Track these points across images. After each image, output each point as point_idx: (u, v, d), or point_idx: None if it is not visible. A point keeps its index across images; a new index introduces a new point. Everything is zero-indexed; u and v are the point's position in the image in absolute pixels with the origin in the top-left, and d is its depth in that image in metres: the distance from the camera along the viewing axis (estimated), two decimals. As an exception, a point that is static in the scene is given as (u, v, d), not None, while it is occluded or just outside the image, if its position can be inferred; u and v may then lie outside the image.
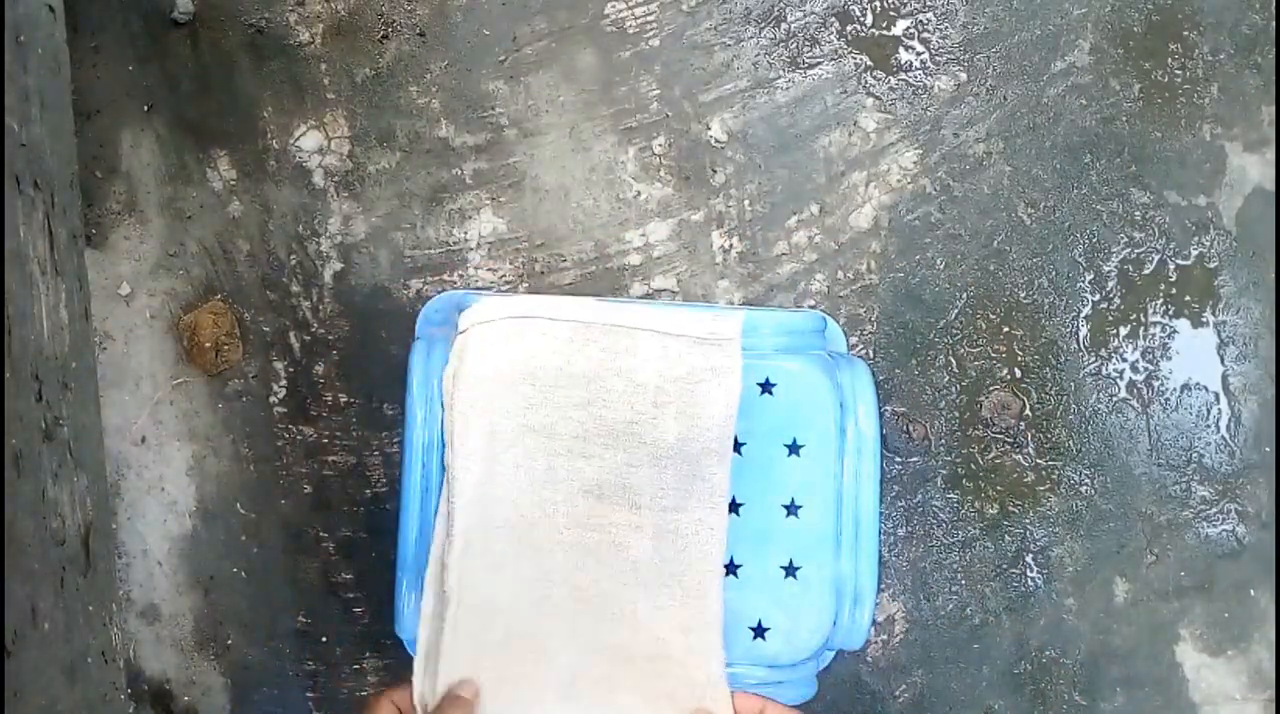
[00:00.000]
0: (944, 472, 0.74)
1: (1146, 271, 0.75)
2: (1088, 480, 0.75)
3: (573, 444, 0.60)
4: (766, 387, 0.64)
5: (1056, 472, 0.75)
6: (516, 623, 0.58)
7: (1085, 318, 0.75)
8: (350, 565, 0.71)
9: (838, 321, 0.73)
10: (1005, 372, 0.75)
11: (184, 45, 0.70)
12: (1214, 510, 0.76)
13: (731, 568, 0.62)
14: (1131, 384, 0.75)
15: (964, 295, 0.74)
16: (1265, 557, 0.76)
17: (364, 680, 0.71)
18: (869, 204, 0.74)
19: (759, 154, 0.73)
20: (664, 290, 0.73)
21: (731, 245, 0.73)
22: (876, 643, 0.73)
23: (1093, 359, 0.75)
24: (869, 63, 0.74)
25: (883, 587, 0.73)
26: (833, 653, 0.69)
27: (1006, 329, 0.75)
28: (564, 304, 0.60)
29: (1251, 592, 0.76)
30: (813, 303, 0.73)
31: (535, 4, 0.72)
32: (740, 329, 0.60)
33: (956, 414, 0.74)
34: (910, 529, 0.74)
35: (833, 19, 0.74)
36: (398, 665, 0.71)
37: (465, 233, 0.72)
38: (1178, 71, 0.76)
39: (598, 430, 0.60)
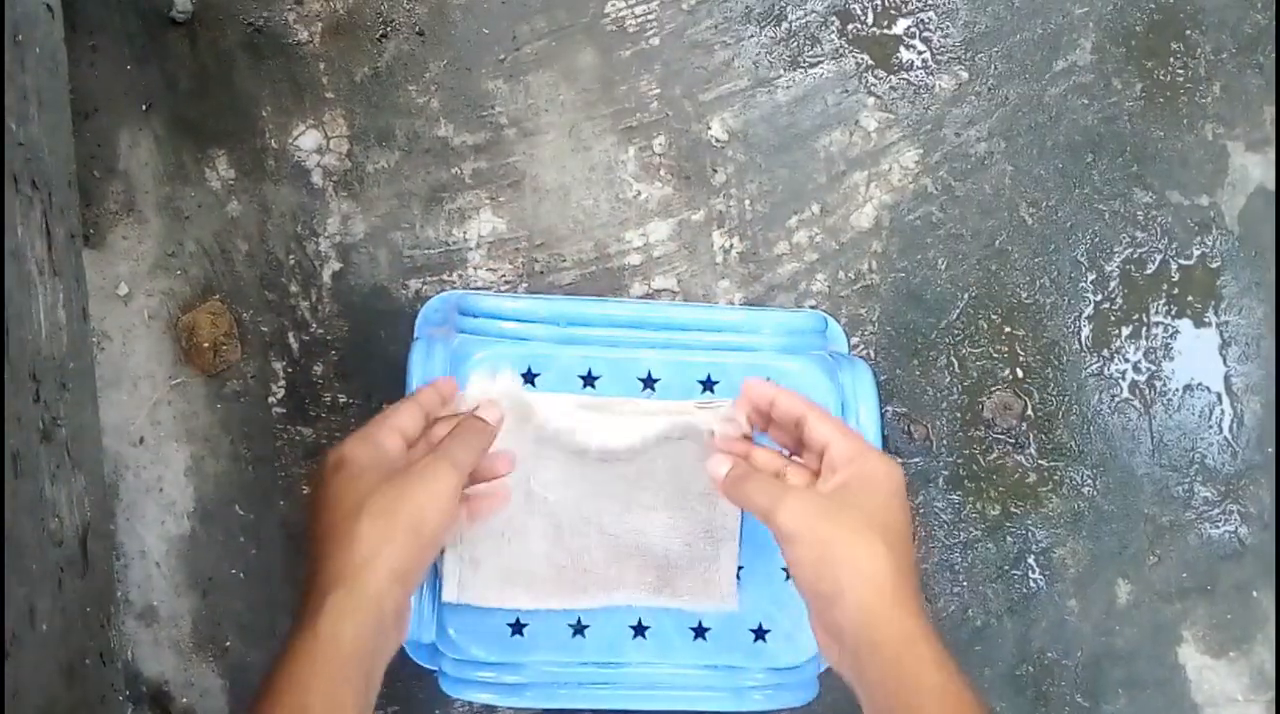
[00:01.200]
0: (945, 472, 0.74)
1: (1149, 271, 0.75)
2: (1090, 481, 0.74)
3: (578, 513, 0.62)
4: (767, 387, 0.64)
5: (1058, 472, 0.74)
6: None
7: (1087, 318, 0.75)
8: (349, 566, 0.71)
9: (839, 322, 0.72)
10: (1007, 372, 0.74)
11: (182, 44, 0.70)
12: (1216, 511, 0.75)
13: (732, 569, 0.62)
14: (1134, 384, 0.75)
15: (965, 295, 0.74)
16: (1267, 558, 0.75)
17: (363, 682, 0.71)
18: (870, 204, 0.74)
19: (759, 153, 0.73)
20: (664, 290, 0.72)
21: (732, 245, 0.73)
22: (878, 644, 0.73)
23: (1095, 359, 0.75)
24: (870, 62, 0.74)
25: (884, 588, 0.73)
26: (834, 654, 0.69)
27: (1008, 329, 0.74)
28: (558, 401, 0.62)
29: (1254, 593, 0.75)
30: (814, 303, 0.73)
31: (535, 3, 0.72)
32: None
33: (958, 415, 0.74)
34: (911, 530, 0.73)
35: (833, 18, 0.74)
36: (397, 668, 0.70)
37: (464, 232, 0.72)
38: (1180, 71, 0.76)
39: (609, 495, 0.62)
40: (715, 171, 0.73)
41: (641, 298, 0.72)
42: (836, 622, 0.48)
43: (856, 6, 0.74)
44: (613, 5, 0.72)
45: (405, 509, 0.48)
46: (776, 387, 0.56)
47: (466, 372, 0.62)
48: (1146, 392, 0.75)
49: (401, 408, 0.53)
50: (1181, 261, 0.76)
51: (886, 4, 0.74)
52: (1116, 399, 0.75)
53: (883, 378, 0.73)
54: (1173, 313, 0.75)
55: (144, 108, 0.70)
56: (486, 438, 0.54)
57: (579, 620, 0.63)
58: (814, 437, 0.53)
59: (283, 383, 0.71)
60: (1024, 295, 0.74)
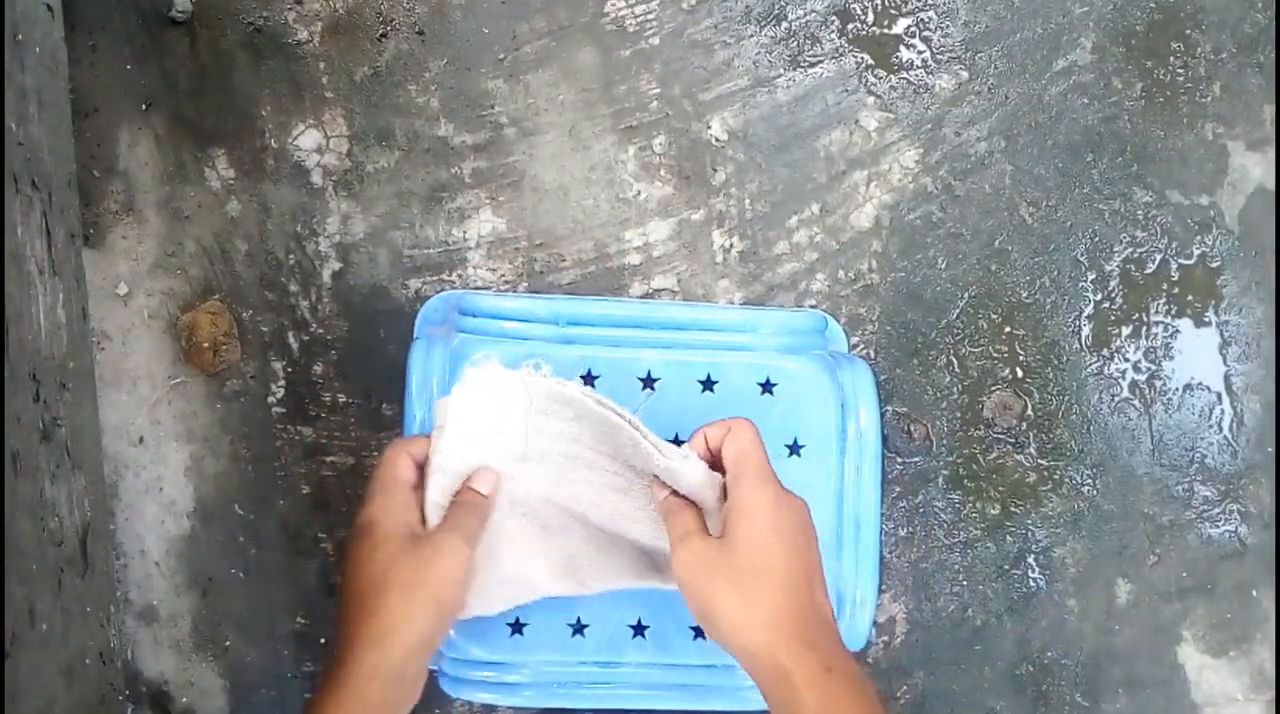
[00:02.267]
0: (945, 472, 0.74)
1: (1149, 271, 0.75)
2: (1090, 481, 0.74)
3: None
4: (767, 386, 0.64)
5: (1058, 472, 0.74)
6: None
7: (1087, 317, 0.75)
8: (349, 566, 0.71)
9: (839, 321, 0.72)
10: (1007, 371, 0.74)
11: (182, 44, 0.70)
12: (1216, 511, 0.75)
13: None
14: (1134, 384, 0.75)
15: (965, 295, 0.74)
16: (1267, 557, 0.75)
17: (363, 682, 0.71)
18: (870, 203, 0.74)
19: (759, 153, 0.73)
20: (664, 290, 0.72)
21: (732, 245, 0.73)
22: (878, 644, 0.73)
23: (1095, 359, 0.75)
24: (870, 61, 0.74)
25: (884, 588, 0.73)
26: (834, 654, 0.69)
27: (1008, 329, 0.74)
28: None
29: (1254, 592, 0.75)
30: (814, 302, 0.73)
31: (535, 2, 0.72)
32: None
33: (958, 414, 0.74)
34: (911, 530, 0.73)
35: (833, 17, 0.74)
36: (397, 667, 0.70)
37: (464, 232, 0.72)
38: (1180, 70, 0.76)
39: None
40: (715, 171, 0.73)
41: (641, 297, 0.72)
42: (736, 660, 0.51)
43: (856, 6, 0.74)
44: (612, 5, 0.72)
45: (428, 583, 0.52)
46: (714, 424, 0.56)
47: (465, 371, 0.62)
48: (1146, 391, 0.75)
49: (401, 462, 0.57)
50: (1181, 261, 0.76)
51: (886, 3, 0.74)
52: (1116, 399, 0.75)
53: (883, 377, 0.73)
54: (1173, 312, 0.75)
55: (144, 107, 0.70)
56: (487, 507, 0.58)
57: (579, 620, 0.63)
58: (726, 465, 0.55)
59: (282, 383, 0.71)
60: (1024, 295, 0.74)
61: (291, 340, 0.71)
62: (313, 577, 0.71)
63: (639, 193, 0.72)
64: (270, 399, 0.70)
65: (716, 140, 0.73)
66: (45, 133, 0.62)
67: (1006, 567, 0.74)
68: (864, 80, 0.74)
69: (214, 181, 0.71)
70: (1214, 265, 0.76)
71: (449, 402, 0.59)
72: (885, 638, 0.73)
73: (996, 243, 0.74)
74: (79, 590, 0.62)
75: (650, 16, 0.73)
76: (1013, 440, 0.74)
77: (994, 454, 0.74)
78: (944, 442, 0.74)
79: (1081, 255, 0.75)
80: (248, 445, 0.70)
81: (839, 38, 0.74)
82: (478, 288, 0.71)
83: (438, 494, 0.58)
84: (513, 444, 0.60)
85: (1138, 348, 0.75)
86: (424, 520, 0.58)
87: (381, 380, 0.70)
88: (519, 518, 0.60)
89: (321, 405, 0.71)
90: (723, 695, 0.65)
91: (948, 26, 0.74)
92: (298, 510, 0.70)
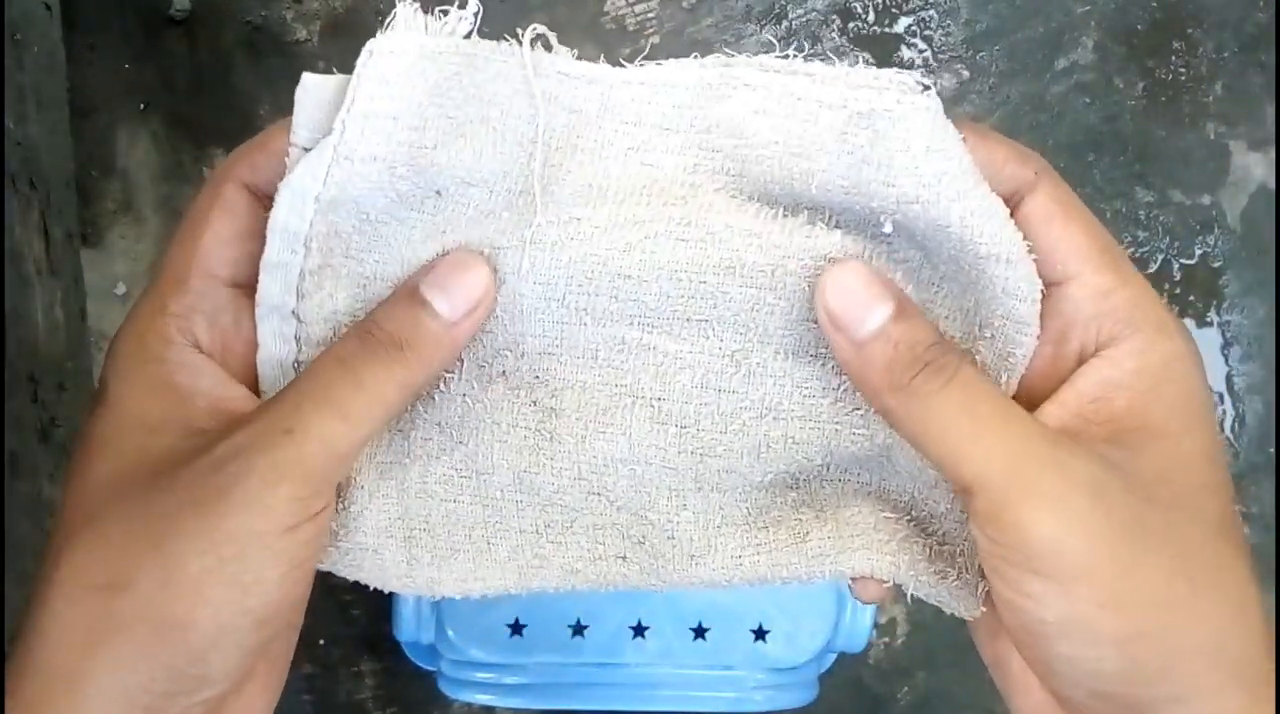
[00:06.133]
0: (946, 472, 0.73)
1: (1150, 271, 0.75)
2: (1091, 481, 0.74)
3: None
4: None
5: (1059, 472, 0.74)
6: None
7: (1088, 318, 0.75)
8: (348, 567, 0.70)
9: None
10: (1008, 372, 0.74)
11: (180, 43, 0.70)
12: (1218, 511, 0.75)
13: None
14: (1135, 384, 0.75)
15: (966, 295, 0.74)
16: (1267, 558, 0.75)
17: (361, 684, 0.71)
18: (871, 203, 0.73)
19: (760, 152, 0.73)
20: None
21: (732, 244, 0.73)
22: (878, 645, 0.73)
23: (1096, 359, 0.75)
24: (871, 60, 0.74)
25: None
26: (834, 655, 0.68)
27: (1009, 329, 0.74)
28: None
29: (1255, 593, 0.75)
30: (814, 302, 0.73)
31: (535, 1, 0.72)
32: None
33: (959, 414, 0.73)
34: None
35: (834, 16, 0.73)
36: (396, 669, 0.70)
37: (464, 232, 0.71)
38: (1182, 69, 0.76)
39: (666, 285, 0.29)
40: (715, 171, 0.73)
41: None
42: None
43: (857, 5, 0.74)
44: (612, 4, 0.72)
45: (221, 574, 0.24)
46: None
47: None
48: (1148, 391, 0.75)
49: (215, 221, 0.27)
50: (1183, 261, 0.75)
51: (887, 2, 0.74)
52: (1118, 399, 0.75)
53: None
54: (1174, 312, 0.75)
55: (142, 106, 0.70)
56: (451, 345, 0.27)
57: (578, 621, 0.63)
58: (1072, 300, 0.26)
59: (282, 383, 0.70)
60: (1025, 295, 0.74)
61: (290, 340, 0.70)
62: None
63: (639, 192, 0.72)
64: (269, 399, 0.70)
65: (717, 140, 0.73)
66: (43, 132, 0.61)
67: (1007, 567, 0.74)
68: (865, 79, 0.74)
69: (213, 181, 0.70)
70: (1216, 265, 0.75)
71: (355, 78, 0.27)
72: (886, 639, 0.73)
73: (997, 243, 0.74)
74: (77, 591, 0.62)
75: (650, 15, 0.72)
76: (1014, 441, 0.74)
77: (995, 454, 0.74)
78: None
79: (1083, 255, 0.75)
80: (247, 446, 0.70)
81: (840, 36, 0.74)
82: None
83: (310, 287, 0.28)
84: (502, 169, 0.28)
85: (1139, 348, 0.75)
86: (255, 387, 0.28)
87: (381, 380, 0.70)
88: (512, 384, 0.30)
89: (321, 405, 0.70)
90: (723, 696, 0.65)
91: (949, 25, 0.74)
92: (297, 511, 0.70)
